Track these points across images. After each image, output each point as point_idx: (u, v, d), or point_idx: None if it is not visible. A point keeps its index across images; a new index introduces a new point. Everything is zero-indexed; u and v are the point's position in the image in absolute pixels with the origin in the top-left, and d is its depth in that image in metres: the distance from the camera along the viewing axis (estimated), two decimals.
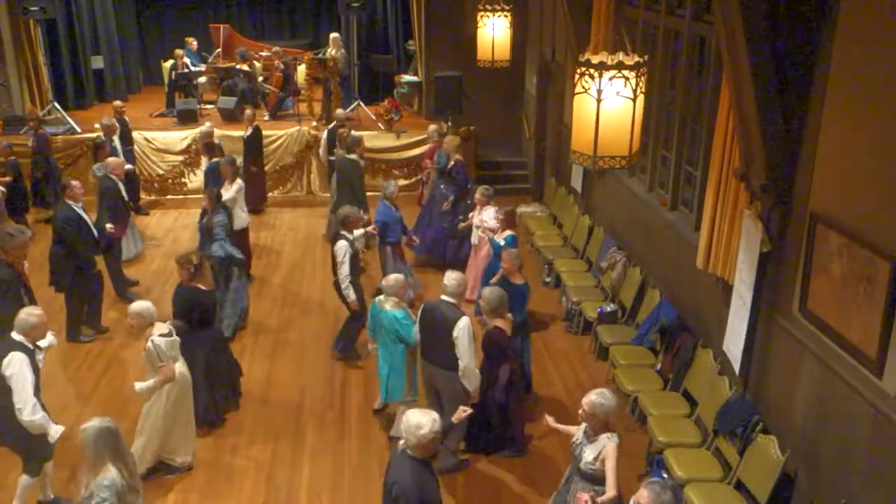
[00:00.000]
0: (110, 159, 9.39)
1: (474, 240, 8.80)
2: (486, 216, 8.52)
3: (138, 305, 5.72)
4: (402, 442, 4.09)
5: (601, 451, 4.48)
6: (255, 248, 10.68)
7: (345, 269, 7.39)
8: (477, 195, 8.75)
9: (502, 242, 7.81)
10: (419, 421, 3.98)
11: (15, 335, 5.22)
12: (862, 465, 4.44)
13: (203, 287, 6.47)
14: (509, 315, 6.13)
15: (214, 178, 9.48)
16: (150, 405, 5.77)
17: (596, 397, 4.46)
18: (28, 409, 5.06)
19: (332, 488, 6.01)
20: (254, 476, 6.12)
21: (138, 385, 5.65)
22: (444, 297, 5.85)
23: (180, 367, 5.81)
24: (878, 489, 4.29)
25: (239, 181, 9.07)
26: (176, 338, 5.79)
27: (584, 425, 4.64)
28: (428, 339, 5.92)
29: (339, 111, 11.95)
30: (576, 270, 9.12)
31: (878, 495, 4.28)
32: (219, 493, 5.94)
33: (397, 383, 6.22)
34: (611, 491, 4.36)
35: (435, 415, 4.08)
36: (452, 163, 9.79)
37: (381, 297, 6.23)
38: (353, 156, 10.03)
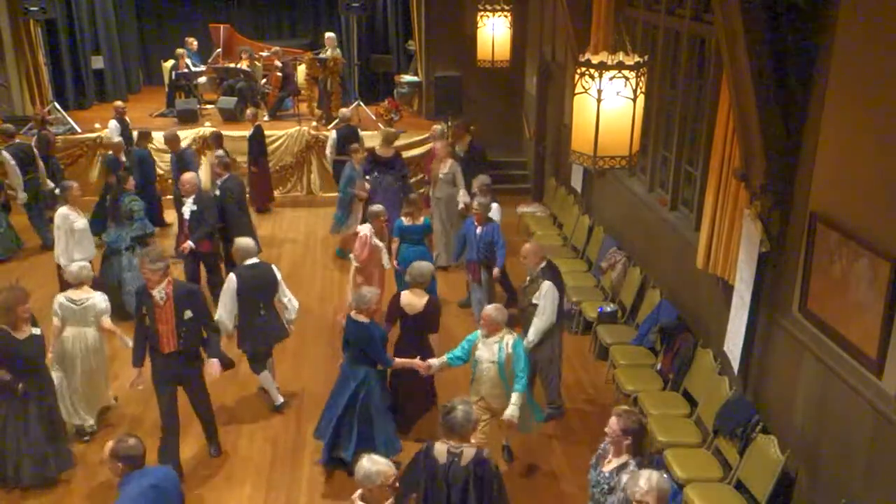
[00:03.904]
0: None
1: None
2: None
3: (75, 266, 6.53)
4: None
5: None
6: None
7: None
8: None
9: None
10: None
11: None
12: (862, 465, 4.44)
13: None
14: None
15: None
16: None
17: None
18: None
19: (331, 488, 6.00)
20: (254, 476, 6.12)
21: None
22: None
23: (69, 332, 6.37)
24: (878, 489, 4.29)
25: None
26: (79, 308, 6.36)
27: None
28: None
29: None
30: (576, 270, 9.11)
31: (878, 495, 4.28)
32: (219, 493, 5.94)
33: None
34: None
35: None
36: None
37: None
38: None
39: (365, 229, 7.86)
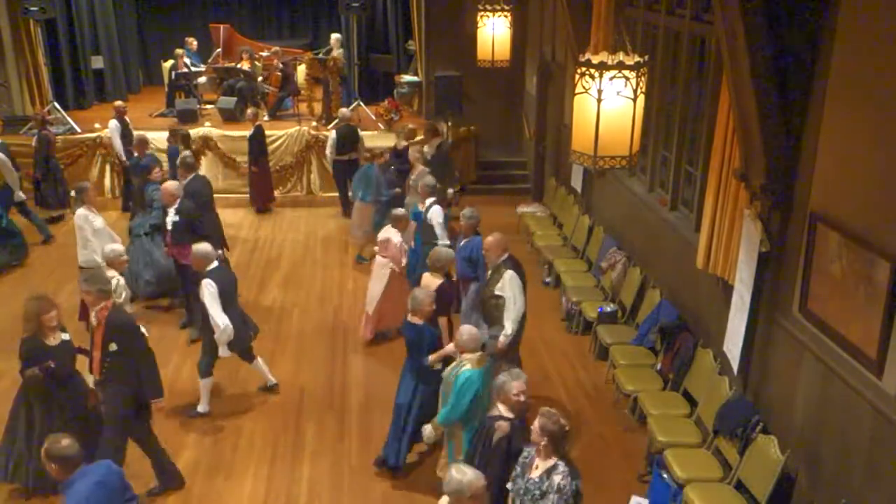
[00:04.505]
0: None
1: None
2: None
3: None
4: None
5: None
6: (255, 249, 10.70)
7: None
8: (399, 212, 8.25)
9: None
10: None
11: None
12: (862, 465, 4.44)
13: None
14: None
15: None
16: None
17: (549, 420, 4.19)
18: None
19: (332, 488, 6.01)
20: (254, 476, 6.12)
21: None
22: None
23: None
24: (878, 489, 4.29)
25: None
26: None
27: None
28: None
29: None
30: (576, 270, 9.12)
31: (878, 495, 4.28)
32: (219, 493, 5.94)
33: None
34: None
35: None
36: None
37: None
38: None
39: (397, 236, 7.92)
